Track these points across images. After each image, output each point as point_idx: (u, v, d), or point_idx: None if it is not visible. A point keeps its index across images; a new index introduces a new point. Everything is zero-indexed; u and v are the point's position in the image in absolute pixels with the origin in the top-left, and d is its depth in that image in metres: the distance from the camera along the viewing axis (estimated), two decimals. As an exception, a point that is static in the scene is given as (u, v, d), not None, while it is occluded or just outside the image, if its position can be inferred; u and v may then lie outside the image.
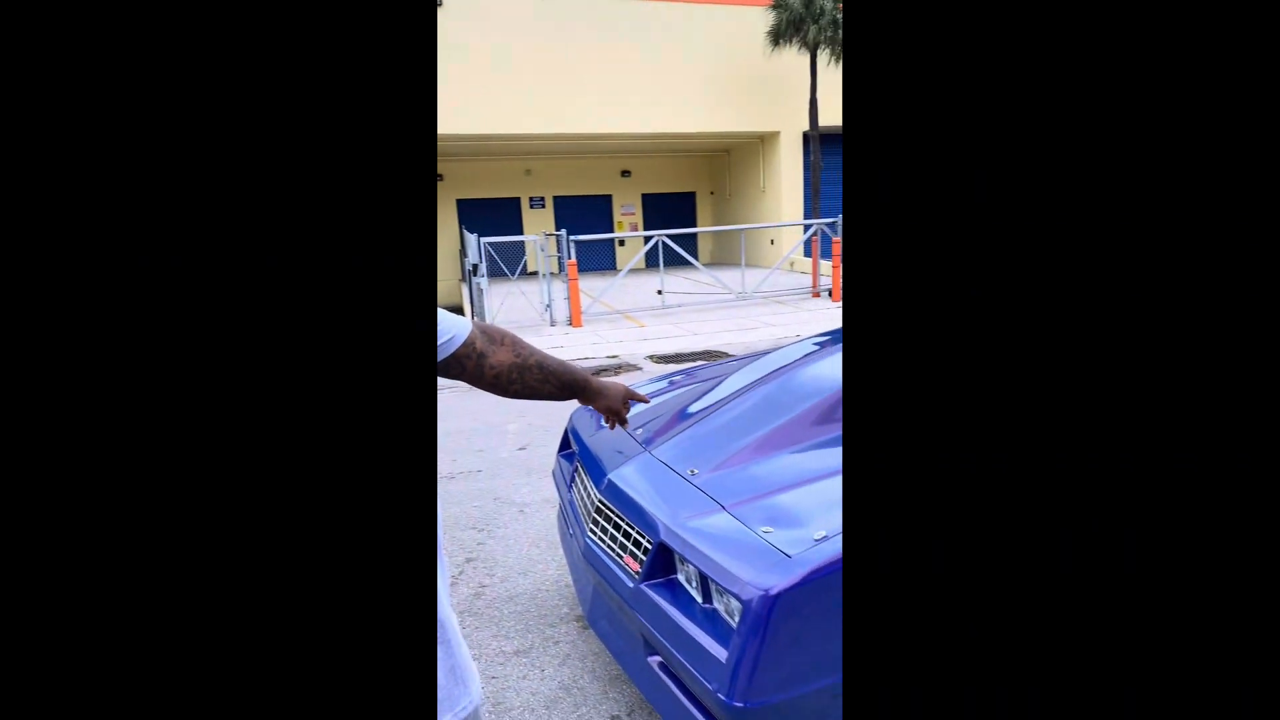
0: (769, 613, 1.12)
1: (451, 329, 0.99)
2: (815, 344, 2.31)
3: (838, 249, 9.52)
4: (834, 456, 1.52)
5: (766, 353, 2.37)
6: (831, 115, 13.87)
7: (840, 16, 12.39)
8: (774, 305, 9.44)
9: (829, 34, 12.51)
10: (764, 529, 1.28)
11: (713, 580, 1.24)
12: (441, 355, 0.99)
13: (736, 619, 1.17)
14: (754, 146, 15.55)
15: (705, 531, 1.32)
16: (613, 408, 1.30)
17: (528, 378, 1.09)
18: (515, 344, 1.09)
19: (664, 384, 2.43)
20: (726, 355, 6.22)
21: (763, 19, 12.93)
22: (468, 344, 1.01)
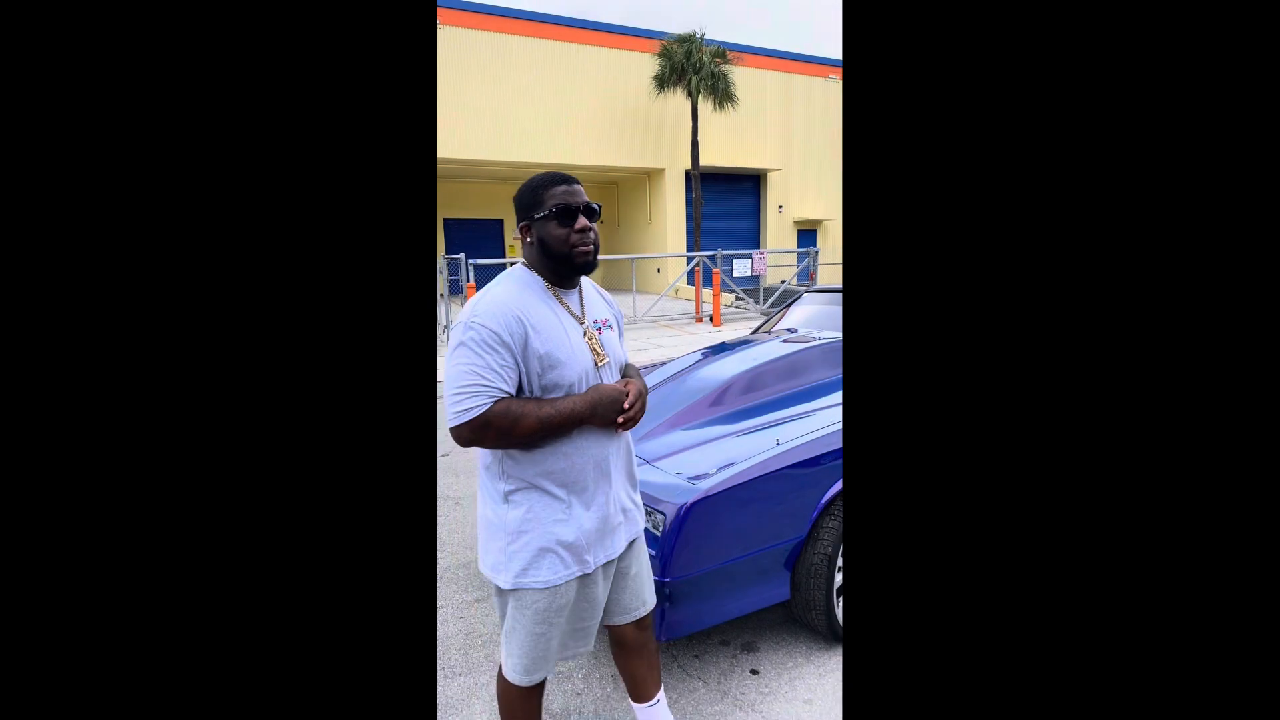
0: (682, 517, 1.74)
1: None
2: (702, 354, 3.04)
3: (717, 279, 10.56)
4: (718, 429, 2.19)
5: (670, 360, 3.05)
6: (711, 156, 15.19)
7: (715, 70, 13.75)
8: (663, 329, 10.27)
9: (708, 84, 13.81)
10: (676, 471, 1.91)
11: (647, 507, 1.84)
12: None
13: (663, 528, 1.77)
14: (641, 181, 16.54)
15: (640, 479, 1.94)
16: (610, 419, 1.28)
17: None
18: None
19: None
20: (623, 372, 6.80)
21: (649, 65, 14.02)
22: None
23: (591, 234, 1.23)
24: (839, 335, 2.83)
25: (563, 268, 1.24)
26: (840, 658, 2.03)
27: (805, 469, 1.93)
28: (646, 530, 1.86)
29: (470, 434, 1.15)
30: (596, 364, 1.26)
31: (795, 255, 15.35)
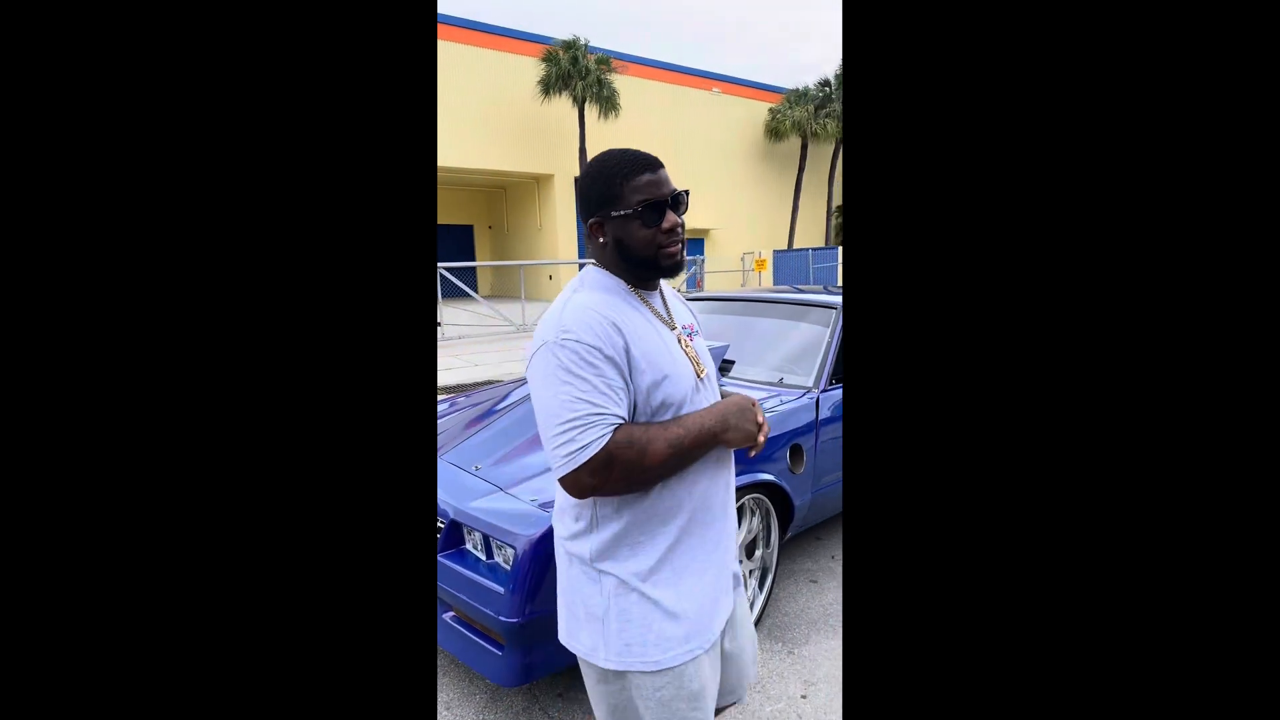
0: (534, 551, 1.58)
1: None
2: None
3: (608, 285, 10.52)
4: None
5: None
6: (600, 163, 15.15)
7: (603, 77, 13.77)
8: (552, 336, 10.03)
9: (593, 91, 13.80)
10: (530, 498, 1.75)
11: (494, 539, 1.67)
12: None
13: (512, 562, 1.61)
14: (530, 186, 16.26)
15: (488, 507, 1.75)
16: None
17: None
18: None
19: (446, 404, 2.81)
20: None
21: (534, 69, 13.81)
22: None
23: (680, 231, 0.98)
24: (718, 343, 2.79)
25: (646, 271, 0.99)
26: (712, 680, 1.95)
27: (669, 487, 1.84)
28: (495, 565, 1.69)
29: (590, 478, 0.88)
30: (698, 375, 1.01)
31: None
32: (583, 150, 14.32)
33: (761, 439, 0.99)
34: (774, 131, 19.62)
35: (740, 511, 2.05)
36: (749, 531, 2.11)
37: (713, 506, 1.00)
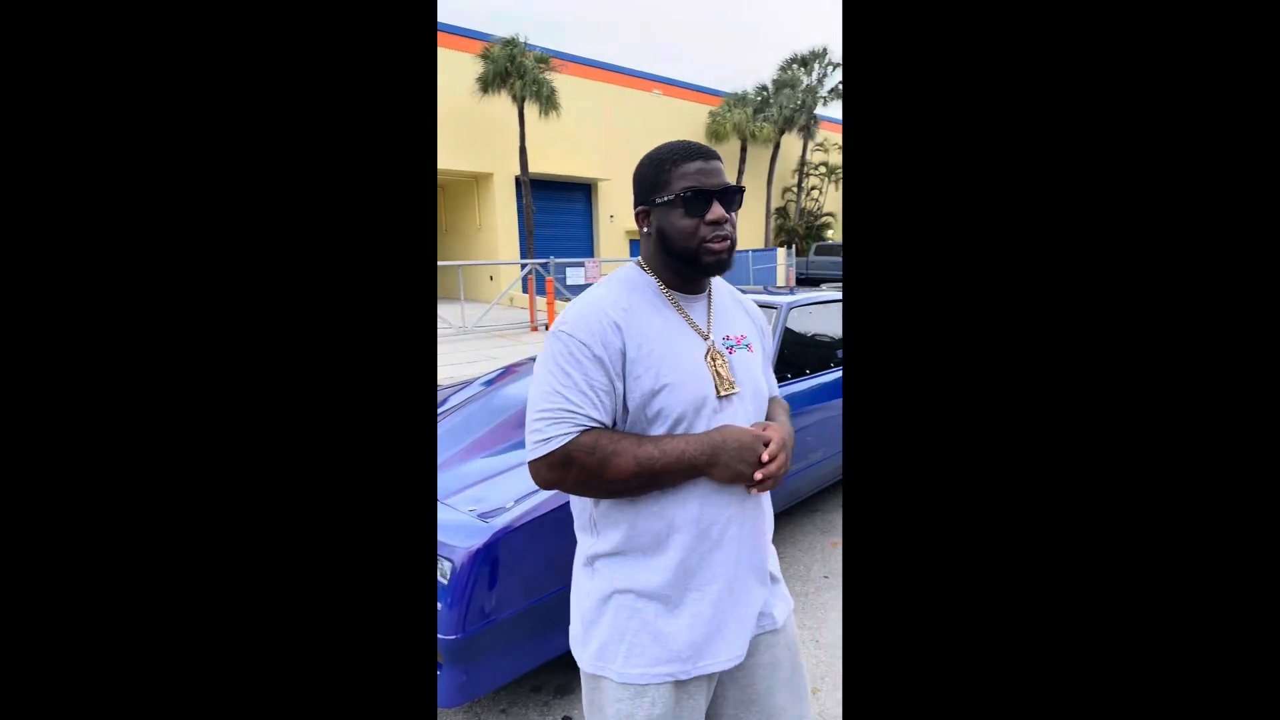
0: (472, 563, 1.53)
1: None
2: (505, 369, 2.83)
3: (550, 287, 10.39)
4: (524, 453, 2.01)
5: (469, 381, 2.80)
6: (542, 164, 15.01)
7: (539, 76, 13.63)
8: (495, 339, 9.88)
9: (532, 90, 13.63)
10: (469, 508, 1.69)
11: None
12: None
13: (449, 576, 1.55)
14: (469, 185, 15.93)
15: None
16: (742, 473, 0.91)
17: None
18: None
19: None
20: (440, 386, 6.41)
21: (473, 66, 13.53)
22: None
23: (728, 226, 0.91)
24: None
25: (686, 268, 0.93)
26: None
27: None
28: (435, 580, 1.63)
29: (548, 472, 0.87)
30: (719, 392, 0.92)
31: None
32: (523, 149, 14.12)
33: (759, 477, 0.88)
34: (714, 134, 19.89)
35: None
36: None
37: (711, 534, 0.91)
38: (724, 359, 0.94)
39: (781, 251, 17.08)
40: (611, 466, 0.85)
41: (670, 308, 0.94)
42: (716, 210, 0.90)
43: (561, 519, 1.69)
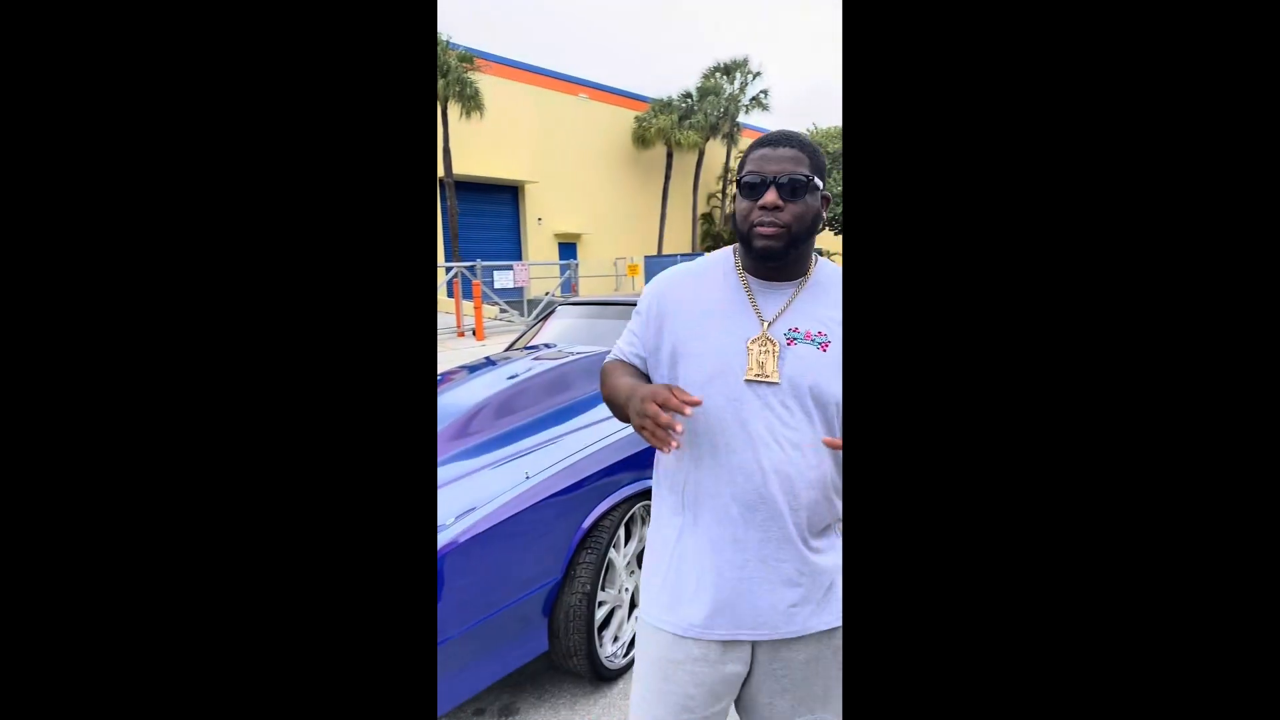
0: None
1: None
2: (440, 377, 2.71)
3: (478, 290, 10.12)
4: (464, 464, 1.91)
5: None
6: (467, 165, 14.64)
7: (462, 75, 13.30)
8: (419, 345, 9.50)
9: (455, 89, 13.28)
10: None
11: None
12: None
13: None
14: (389, 186, 15.33)
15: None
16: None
17: None
18: None
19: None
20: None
21: (391, 63, 13.03)
22: None
23: (781, 212, 0.93)
24: (596, 349, 2.73)
25: (746, 250, 0.99)
26: (605, 696, 1.89)
27: (559, 501, 1.75)
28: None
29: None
30: (747, 375, 0.94)
31: (558, 268, 15.51)
32: (446, 150, 13.71)
33: (647, 433, 0.89)
34: (641, 139, 20.05)
35: (630, 522, 2.01)
36: (640, 542, 2.07)
37: (709, 502, 0.97)
38: (776, 348, 0.95)
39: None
40: (603, 382, 1.10)
41: (736, 288, 1.00)
42: (769, 196, 0.93)
43: (510, 533, 1.62)
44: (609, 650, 1.92)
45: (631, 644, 2.01)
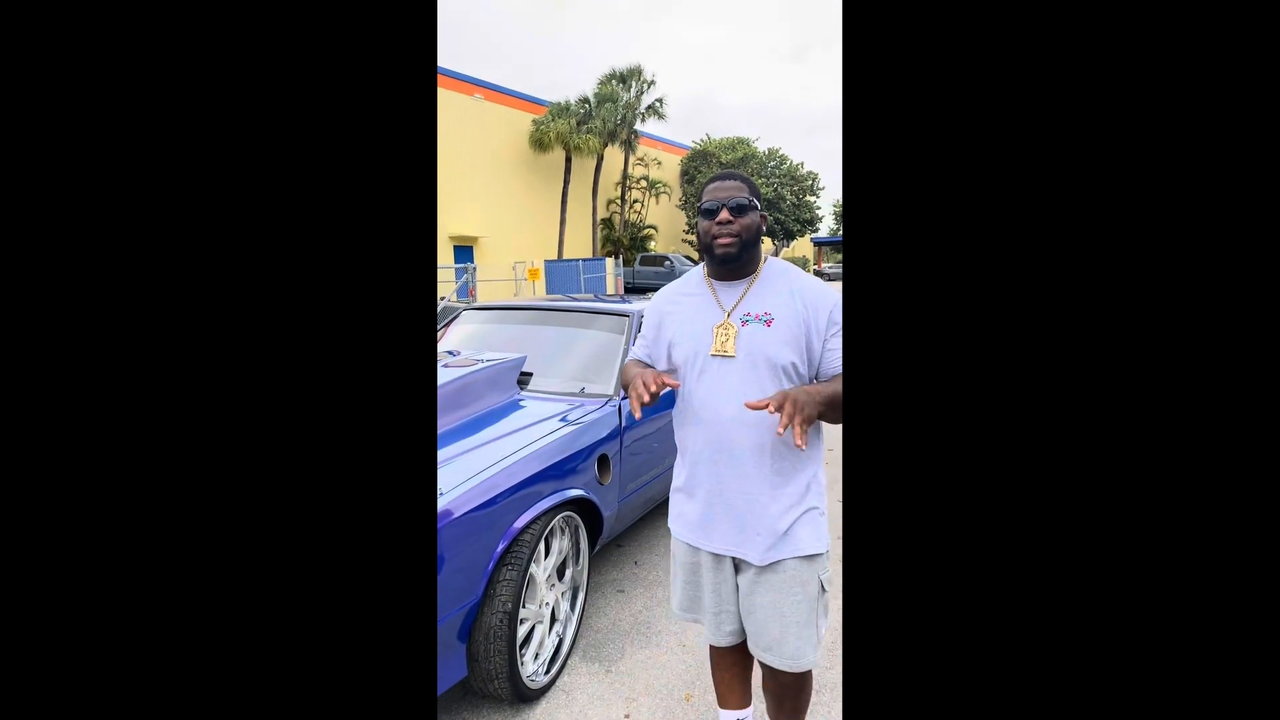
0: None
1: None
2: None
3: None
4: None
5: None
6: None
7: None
8: (303, 354, 8.83)
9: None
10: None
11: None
12: None
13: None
14: (265, 182, 14.17)
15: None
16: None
17: None
18: None
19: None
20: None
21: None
22: None
23: (733, 225, 1.25)
24: (505, 356, 2.62)
25: (708, 256, 1.31)
26: (529, 714, 1.80)
27: (475, 517, 1.65)
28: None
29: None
30: (712, 351, 1.28)
31: (454, 271, 14.98)
32: (330, 146, 12.87)
33: (635, 406, 1.19)
34: (538, 143, 19.79)
35: (550, 534, 1.94)
36: (559, 553, 2.01)
37: (709, 447, 1.30)
38: (734, 330, 1.27)
39: (610, 261, 17.43)
40: (622, 377, 1.42)
41: (704, 289, 1.35)
42: (723, 215, 1.26)
43: (460, 535, 1.51)
44: (530, 669, 1.84)
45: (553, 660, 1.95)
